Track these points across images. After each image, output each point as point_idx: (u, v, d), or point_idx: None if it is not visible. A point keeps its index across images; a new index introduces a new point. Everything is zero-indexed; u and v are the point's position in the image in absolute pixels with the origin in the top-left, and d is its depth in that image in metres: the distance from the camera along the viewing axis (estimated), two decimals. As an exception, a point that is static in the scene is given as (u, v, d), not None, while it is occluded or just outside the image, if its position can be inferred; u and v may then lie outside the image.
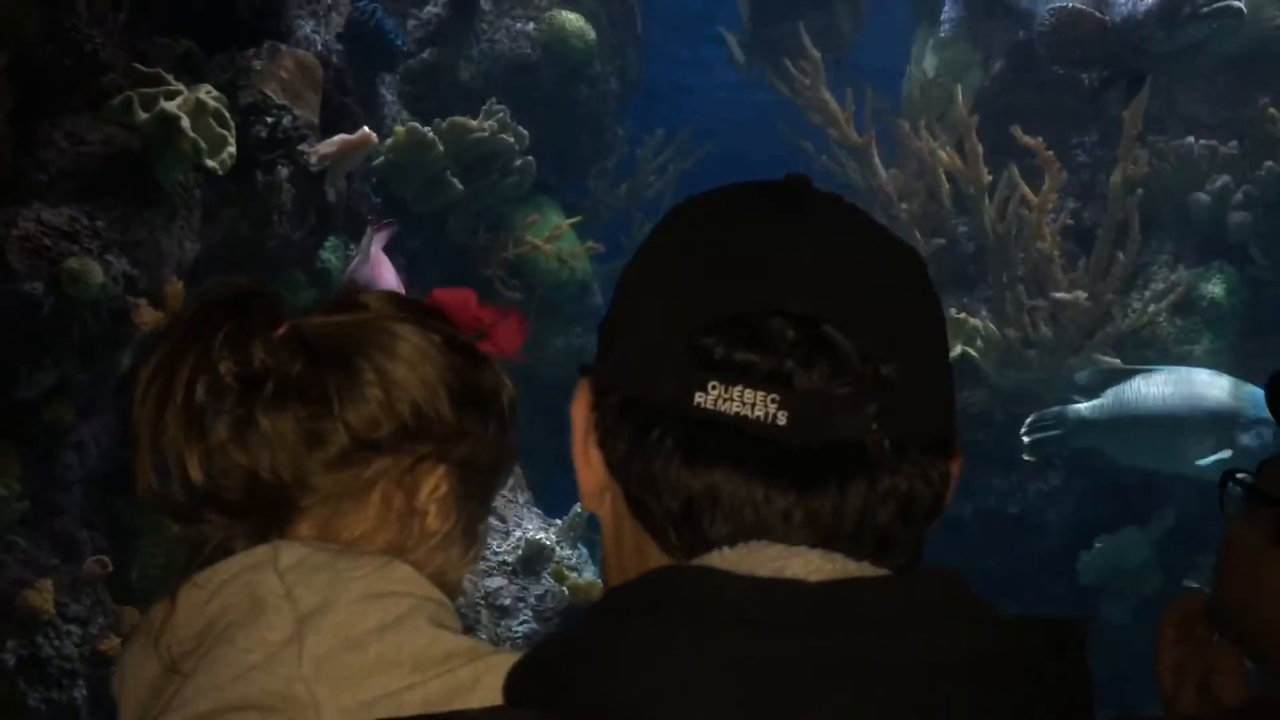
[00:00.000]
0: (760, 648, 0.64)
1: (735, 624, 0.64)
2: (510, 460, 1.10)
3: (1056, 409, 4.75)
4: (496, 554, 4.23)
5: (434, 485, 1.01)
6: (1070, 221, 5.02)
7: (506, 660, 0.76)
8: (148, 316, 2.76)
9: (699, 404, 0.69)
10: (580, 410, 0.77)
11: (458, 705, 0.85)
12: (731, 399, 0.68)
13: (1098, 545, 4.89)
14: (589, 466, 0.76)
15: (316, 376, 0.97)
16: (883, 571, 0.71)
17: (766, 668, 0.63)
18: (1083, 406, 4.67)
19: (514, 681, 0.70)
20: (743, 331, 0.69)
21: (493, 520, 4.38)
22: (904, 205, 5.16)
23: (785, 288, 0.70)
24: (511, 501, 4.48)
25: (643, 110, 6.28)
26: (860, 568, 0.70)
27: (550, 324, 5.05)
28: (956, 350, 4.94)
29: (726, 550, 0.69)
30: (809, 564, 0.68)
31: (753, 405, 0.68)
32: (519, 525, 4.38)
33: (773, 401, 0.68)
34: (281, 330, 0.98)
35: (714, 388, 0.69)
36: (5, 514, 2.46)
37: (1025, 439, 4.80)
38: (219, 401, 0.97)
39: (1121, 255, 4.74)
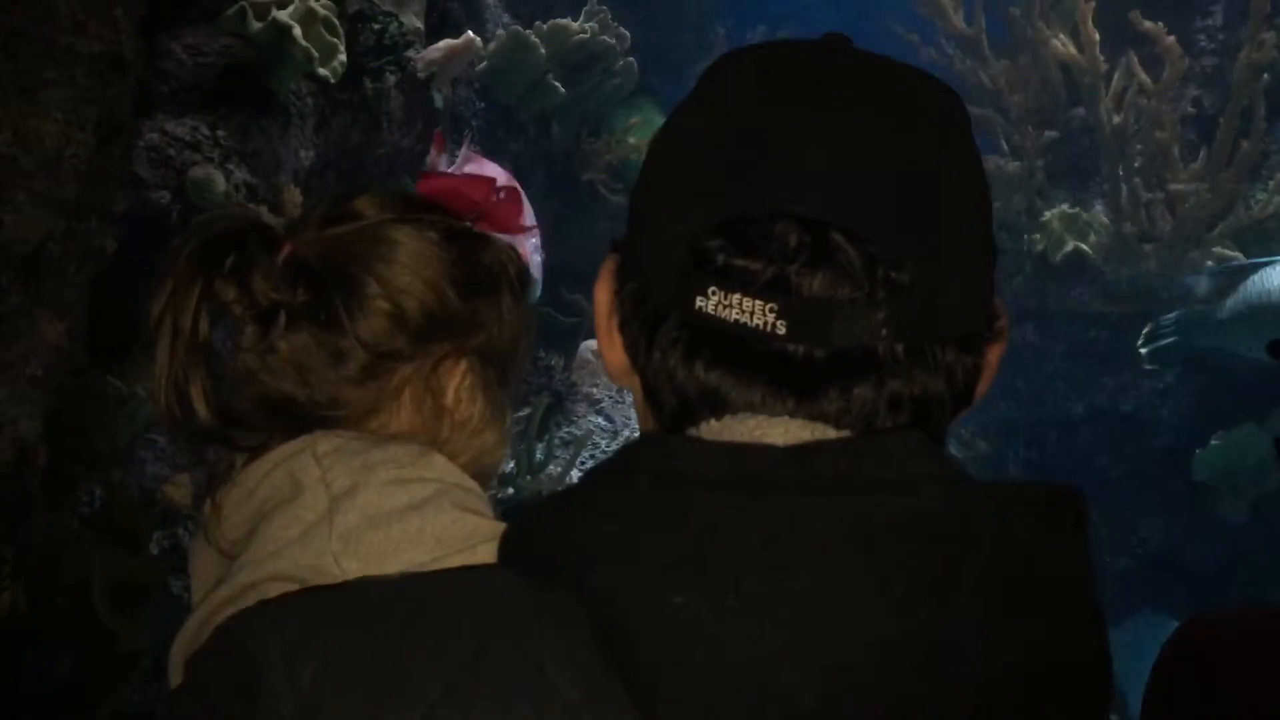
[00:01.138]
0: (708, 506, 0.63)
1: (691, 484, 0.65)
2: (531, 329, 1.09)
3: (1174, 313, 4.64)
4: (605, 453, 4.32)
5: (459, 379, 1.02)
6: (1191, 110, 4.84)
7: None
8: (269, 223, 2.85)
9: (700, 309, 0.67)
10: (603, 293, 0.76)
11: None
12: (730, 306, 0.67)
13: (1213, 442, 4.80)
14: (613, 346, 0.75)
15: (323, 298, 0.98)
16: (846, 433, 0.68)
17: (709, 527, 0.63)
18: (1203, 307, 4.54)
19: (501, 543, 0.72)
20: (745, 235, 0.67)
21: (600, 420, 4.47)
22: (1015, 98, 5.01)
23: (796, 185, 0.67)
24: (619, 403, 4.55)
25: (744, 7, 6.18)
26: (839, 434, 0.68)
27: (653, 226, 5.05)
28: (1069, 246, 4.83)
29: (713, 422, 0.68)
30: (788, 431, 0.67)
31: (751, 313, 0.66)
32: (626, 425, 4.46)
33: (770, 310, 0.66)
34: (283, 253, 0.98)
35: (714, 293, 0.67)
36: (143, 414, 2.59)
37: (1143, 350, 4.70)
38: (236, 335, 1.00)
39: (1245, 144, 4.55)
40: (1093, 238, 4.83)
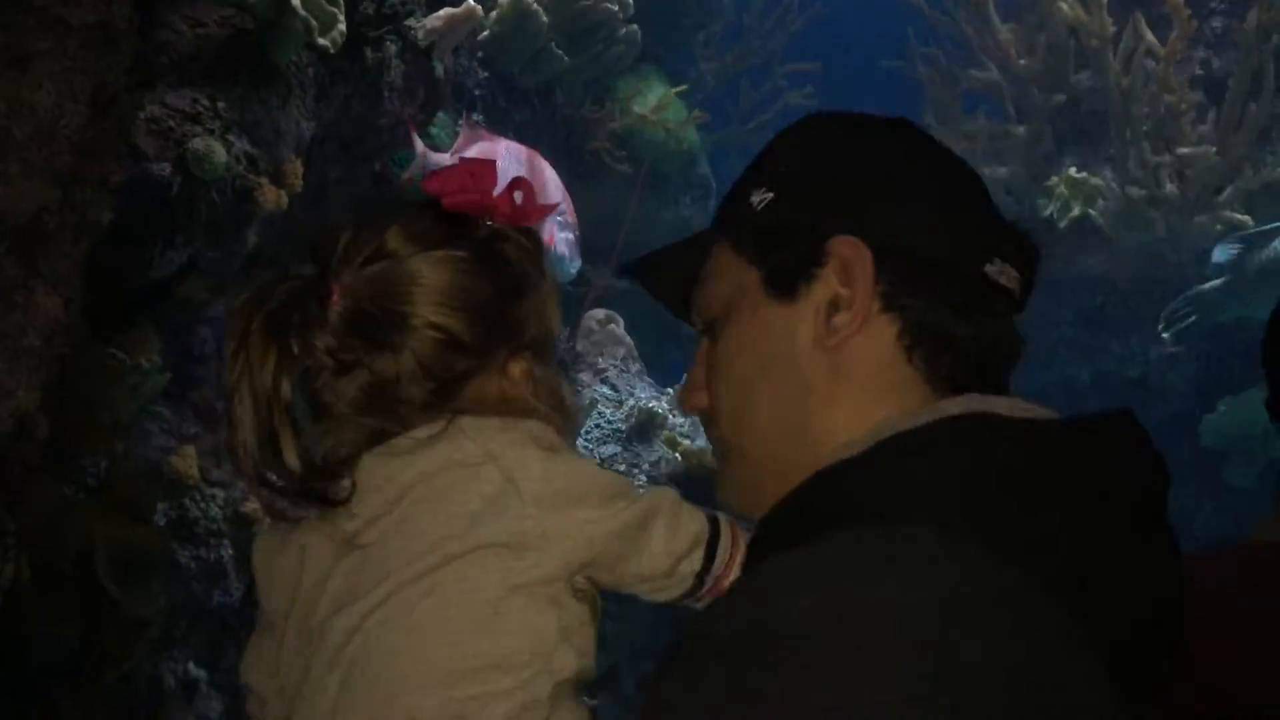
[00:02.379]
0: (1054, 460, 0.86)
1: (1036, 444, 0.88)
2: (555, 300, 1.13)
3: (1191, 292, 4.62)
4: (610, 422, 4.33)
5: (521, 374, 1.07)
6: (1200, 72, 4.80)
7: (658, 493, 1.04)
8: (270, 194, 2.84)
9: (988, 273, 0.93)
10: (862, 281, 0.93)
11: (650, 522, 1.03)
12: (1003, 273, 0.94)
13: (1221, 408, 4.79)
14: (870, 328, 0.93)
15: (381, 339, 1.02)
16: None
17: (1062, 473, 0.85)
18: (1219, 281, 4.52)
19: (796, 507, 0.87)
20: (1004, 230, 0.97)
21: (606, 389, 4.47)
22: (1022, 61, 4.98)
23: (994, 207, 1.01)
24: (624, 371, 4.55)
25: (748, -27, 6.13)
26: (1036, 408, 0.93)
27: (658, 196, 5.04)
28: (1076, 211, 4.80)
29: (996, 399, 0.91)
30: (1034, 410, 0.92)
31: (1012, 280, 0.95)
32: (631, 394, 4.46)
33: (1016, 280, 0.96)
34: (334, 304, 1.02)
35: (995, 263, 0.94)
36: (148, 386, 2.60)
37: (1165, 334, 4.68)
38: (314, 387, 1.03)
39: (1254, 107, 4.52)
40: (1100, 202, 4.80)
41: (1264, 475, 4.92)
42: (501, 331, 1.06)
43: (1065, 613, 0.73)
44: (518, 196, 1.08)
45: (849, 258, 0.92)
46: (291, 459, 1.00)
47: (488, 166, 1.08)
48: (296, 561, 1.02)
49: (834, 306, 0.92)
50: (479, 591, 0.97)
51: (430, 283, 1.02)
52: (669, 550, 1.03)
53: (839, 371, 0.92)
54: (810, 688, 0.64)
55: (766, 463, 0.95)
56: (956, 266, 0.93)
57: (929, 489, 0.82)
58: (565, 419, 1.09)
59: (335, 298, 1.02)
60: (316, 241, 1.06)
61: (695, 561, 1.04)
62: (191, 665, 2.91)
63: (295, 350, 1.01)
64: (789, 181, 0.97)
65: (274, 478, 1.01)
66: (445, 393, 1.03)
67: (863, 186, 0.95)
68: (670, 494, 1.06)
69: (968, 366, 0.93)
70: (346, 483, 1.00)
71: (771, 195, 0.96)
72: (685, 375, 1.07)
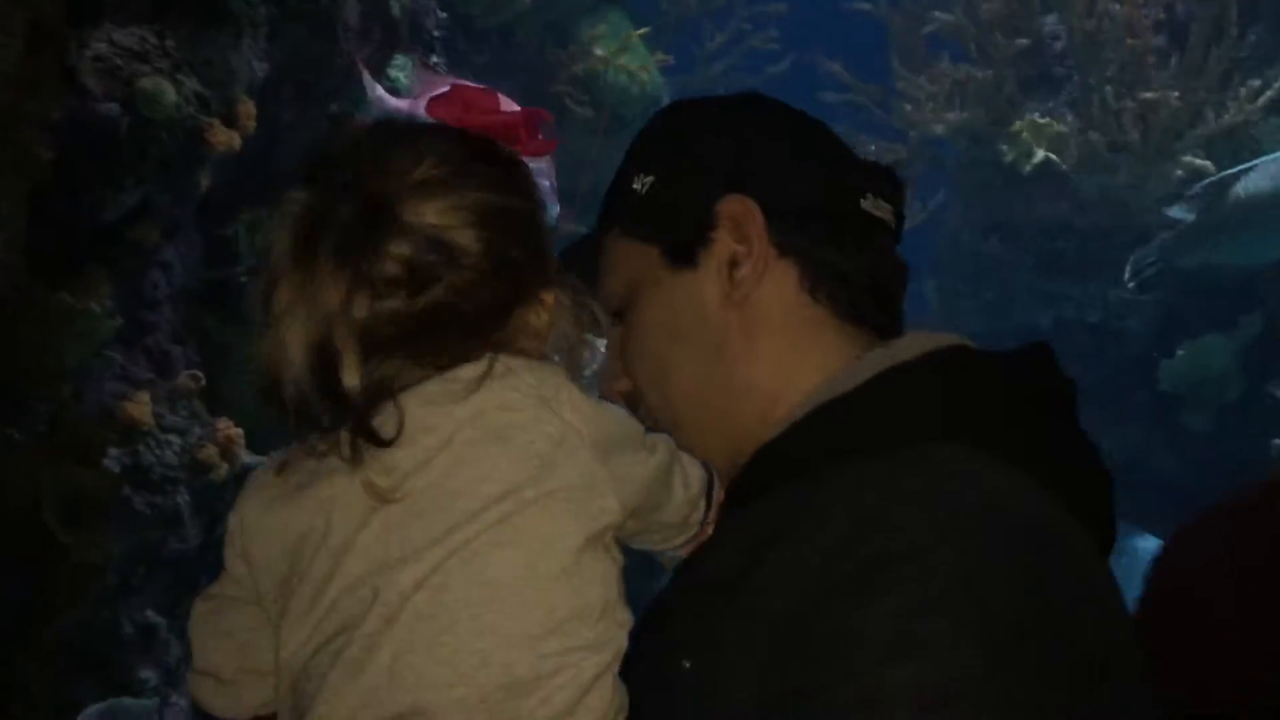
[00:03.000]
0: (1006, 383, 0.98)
1: (1000, 371, 1.00)
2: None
3: (1154, 243, 4.64)
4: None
5: (553, 302, 1.03)
6: (1163, 17, 4.79)
7: (664, 439, 1.01)
8: (221, 136, 2.79)
9: (864, 208, 1.01)
10: (755, 232, 1.00)
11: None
12: (878, 207, 1.01)
13: (1180, 352, 4.83)
14: (772, 277, 1.00)
15: (447, 264, 0.97)
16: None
17: (1017, 393, 0.96)
18: (1180, 230, 4.54)
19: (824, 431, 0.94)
20: (869, 168, 1.04)
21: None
22: (986, 4, 4.95)
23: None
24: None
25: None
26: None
27: (620, 140, 4.99)
28: (1039, 156, 4.81)
29: (940, 335, 1.00)
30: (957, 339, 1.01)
31: (886, 213, 1.02)
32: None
33: (889, 212, 1.03)
34: (400, 226, 0.96)
35: (868, 198, 1.01)
36: (99, 330, 2.56)
37: (1130, 284, 4.71)
38: (378, 303, 0.96)
39: (1216, 51, 4.52)
40: (1063, 148, 4.81)
41: (1220, 419, 4.99)
42: (541, 255, 1.02)
43: (1075, 522, 0.88)
44: (538, 125, 1.06)
45: (738, 214, 0.99)
46: (352, 378, 0.93)
47: (489, 94, 1.05)
48: (316, 517, 0.94)
49: (733, 263, 0.99)
50: (561, 539, 0.92)
51: (486, 206, 0.99)
52: (688, 497, 1.02)
53: (751, 322, 0.99)
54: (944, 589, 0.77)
55: (703, 422, 1.01)
56: (835, 207, 1.00)
57: (935, 413, 0.93)
58: (582, 355, 1.05)
59: (402, 218, 0.97)
60: (326, 151, 1.00)
61: (700, 509, 1.03)
62: (150, 612, 2.90)
63: (364, 270, 0.95)
64: (666, 162, 1.04)
65: (316, 409, 0.93)
66: (497, 322, 0.99)
67: (734, 152, 1.02)
68: (669, 440, 1.03)
69: (866, 298, 1.00)
70: (393, 421, 0.93)
71: (652, 178, 1.03)
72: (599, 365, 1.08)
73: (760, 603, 0.82)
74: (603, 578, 0.94)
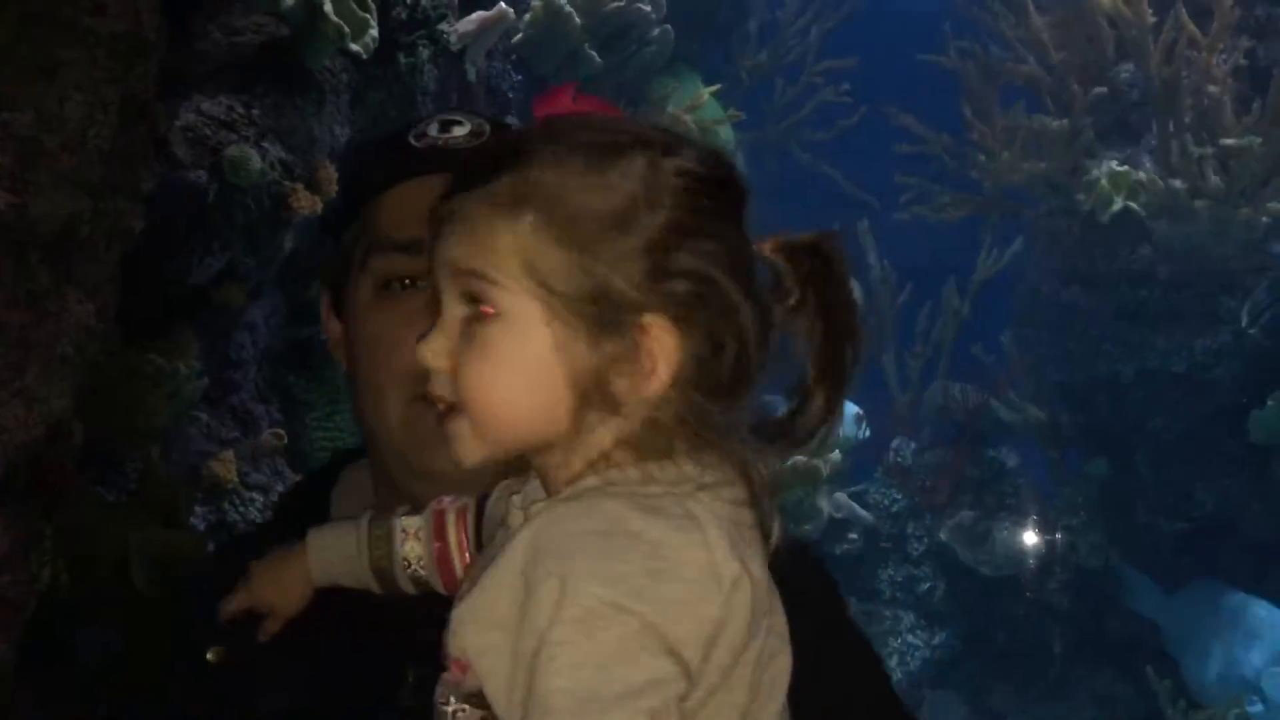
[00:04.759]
0: None
1: None
2: None
3: (1266, 283, 4.52)
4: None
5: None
6: (1244, 62, 4.72)
7: None
8: (304, 200, 2.86)
9: None
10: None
11: None
12: None
13: (1270, 402, 4.70)
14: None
15: None
16: None
17: None
18: None
19: None
20: None
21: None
22: (1060, 54, 4.92)
23: None
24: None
25: (783, -30, 6.10)
26: None
27: (694, 195, 5.02)
28: (1118, 205, 4.74)
29: None
30: None
31: None
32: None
33: None
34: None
35: None
36: (187, 391, 2.63)
37: (1251, 331, 4.59)
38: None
39: (1299, 96, 4.44)
40: (1142, 196, 4.74)
41: (1314, 471, 4.84)
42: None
43: None
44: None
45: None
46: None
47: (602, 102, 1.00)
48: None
49: None
50: None
51: None
52: None
53: None
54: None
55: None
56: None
57: None
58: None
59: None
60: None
61: None
62: (233, 667, 2.94)
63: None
64: None
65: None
66: None
67: None
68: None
69: None
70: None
71: None
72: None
73: None
74: None
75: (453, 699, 0.88)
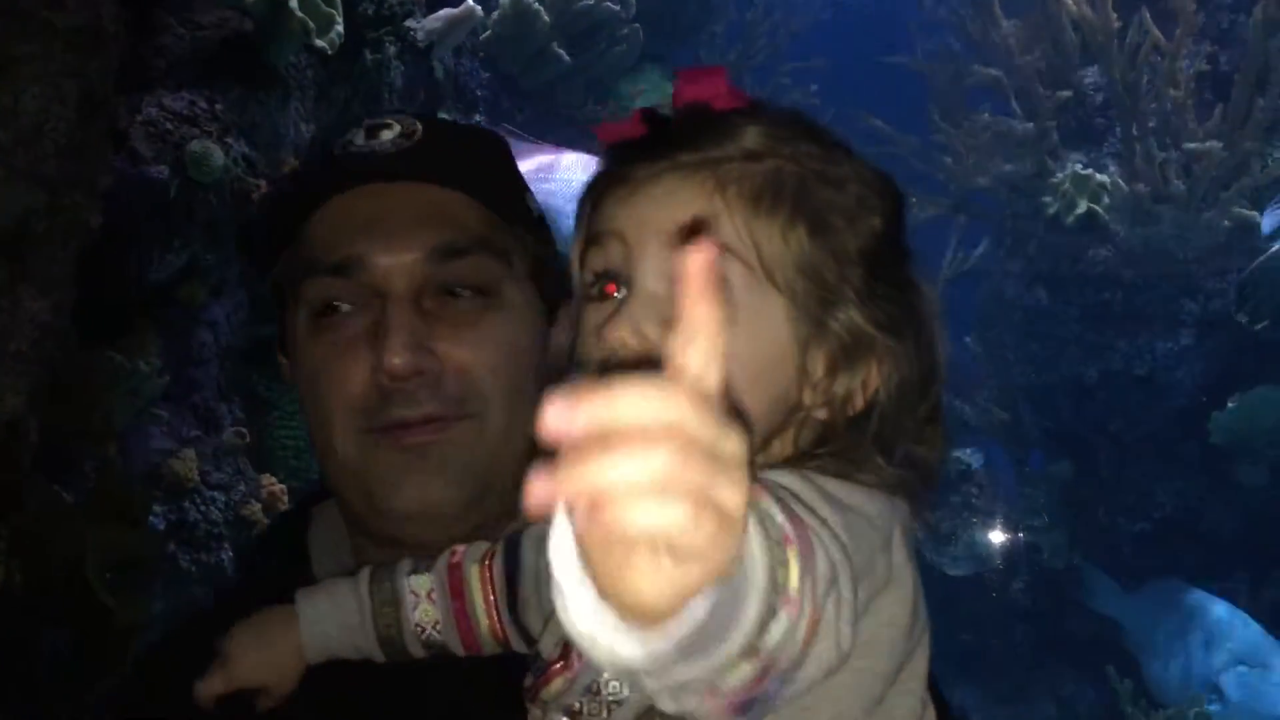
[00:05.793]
0: None
1: None
2: None
3: (1257, 264, 4.50)
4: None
5: None
6: (1206, 67, 4.77)
7: None
8: (268, 196, 2.84)
9: None
10: None
11: None
12: None
13: (1231, 405, 4.75)
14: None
15: None
16: None
17: None
18: (1276, 249, 4.43)
19: None
20: None
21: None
22: (1026, 57, 4.95)
23: None
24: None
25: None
26: None
27: (662, 195, 5.01)
28: (1082, 207, 4.78)
29: None
30: None
31: None
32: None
33: None
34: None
35: None
36: (147, 388, 2.60)
37: (1243, 318, 4.59)
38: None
39: (1261, 101, 4.49)
40: (1106, 199, 4.77)
41: (1275, 473, 4.89)
42: None
43: None
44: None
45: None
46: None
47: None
48: None
49: None
50: None
51: None
52: None
53: None
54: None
55: None
56: None
57: None
58: None
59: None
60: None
61: None
62: (193, 669, 2.90)
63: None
64: None
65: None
66: None
67: None
68: None
69: None
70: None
71: None
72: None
73: None
74: None
75: None
